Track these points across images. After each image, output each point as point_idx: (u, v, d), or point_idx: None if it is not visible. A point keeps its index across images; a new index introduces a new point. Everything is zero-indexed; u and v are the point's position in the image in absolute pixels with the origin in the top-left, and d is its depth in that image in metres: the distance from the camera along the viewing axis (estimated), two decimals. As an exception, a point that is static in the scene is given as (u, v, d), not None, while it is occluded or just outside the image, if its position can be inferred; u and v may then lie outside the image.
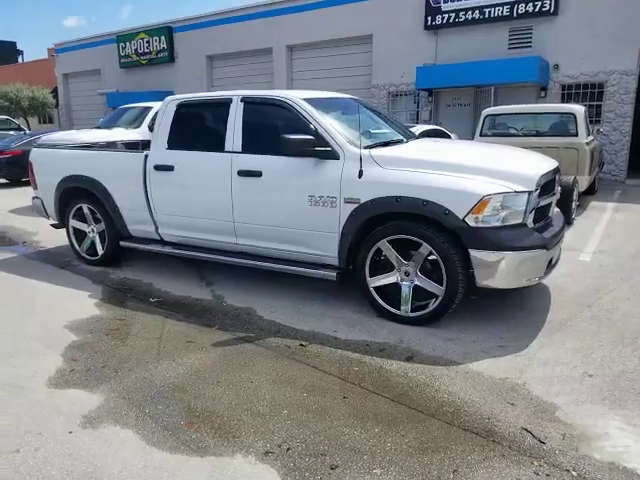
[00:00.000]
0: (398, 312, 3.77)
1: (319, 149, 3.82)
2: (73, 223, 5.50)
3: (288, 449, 2.36)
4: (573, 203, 7.13)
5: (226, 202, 4.27)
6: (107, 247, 5.27)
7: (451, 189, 3.42)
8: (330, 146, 3.84)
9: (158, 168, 4.59)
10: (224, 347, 3.44)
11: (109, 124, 10.39)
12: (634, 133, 12.03)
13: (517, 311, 4.01)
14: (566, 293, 4.40)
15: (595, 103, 11.70)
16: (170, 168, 4.52)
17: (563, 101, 12.08)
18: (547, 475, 2.21)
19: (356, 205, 3.72)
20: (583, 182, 7.79)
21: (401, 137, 4.55)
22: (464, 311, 3.88)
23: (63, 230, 5.73)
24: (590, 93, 11.96)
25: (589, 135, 8.26)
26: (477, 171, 3.52)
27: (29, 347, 3.46)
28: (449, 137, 8.84)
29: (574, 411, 2.67)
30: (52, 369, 3.14)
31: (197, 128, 4.65)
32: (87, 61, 22.62)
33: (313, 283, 4.48)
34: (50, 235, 6.57)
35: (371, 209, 3.67)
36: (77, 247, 5.54)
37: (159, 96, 16.65)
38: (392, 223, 3.65)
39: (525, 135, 8.37)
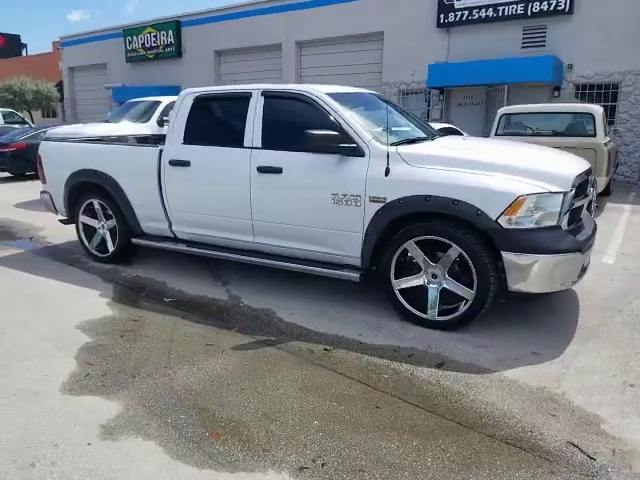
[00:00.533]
0: (424, 316, 3.62)
1: (344, 146, 3.67)
2: (83, 219, 5.35)
3: (323, 464, 2.21)
4: (592, 204, 6.97)
5: (244, 199, 4.12)
6: (118, 244, 5.12)
7: (484, 188, 3.27)
8: (355, 143, 3.69)
9: (173, 163, 4.44)
10: (245, 351, 3.29)
11: (117, 118, 10.24)
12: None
13: (547, 316, 3.86)
14: (593, 297, 4.25)
15: (609, 104, 11.52)
16: (186, 163, 4.37)
17: (576, 101, 11.90)
18: (601, 496, 2.07)
19: (382, 204, 3.56)
20: (601, 183, 7.66)
21: (425, 134, 4.39)
22: (491, 315, 3.73)
23: (70, 226, 5.59)
24: (604, 93, 11.78)
25: (606, 136, 8.11)
26: (510, 170, 3.37)
27: (40, 349, 3.31)
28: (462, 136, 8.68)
29: (620, 424, 2.52)
30: (65, 373, 2.99)
31: (215, 122, 4.50)
32: (93, 55, 22.46)
33: (331, 284, 4.33)
34: (57, 230, 6.43)
35: (398, 208, 3.51)
36: (87, 244, 5.39)
37: (166, 91, 16.58)
38: (420, 223, 3.49)
39: (542, 135, 8.21)
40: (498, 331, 3.59)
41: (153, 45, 19.82)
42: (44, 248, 5.97)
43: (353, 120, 3.79)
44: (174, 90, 18.01)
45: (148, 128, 9.43)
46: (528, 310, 3.93)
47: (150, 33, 19.74)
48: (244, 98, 4.21)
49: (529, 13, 12.15)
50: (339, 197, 3.72)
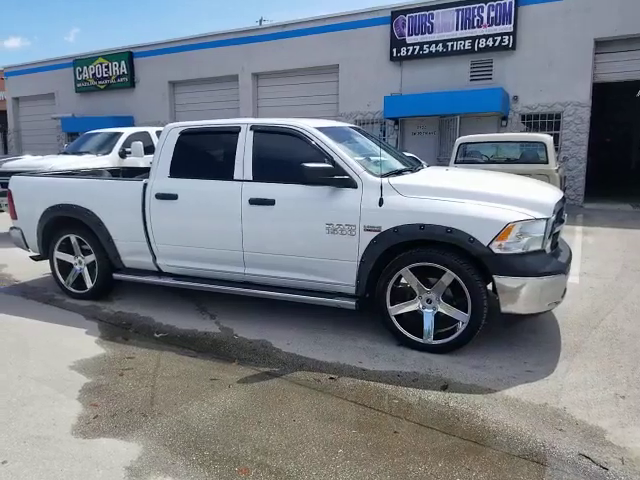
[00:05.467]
0: (421, 340, 3.74)
1: (337, 178, 3.80)
2: (58, 255, 5.17)
3: (359, 492, 2.25)
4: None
5: (235, 230, 4.15)
6: (97, 280, 4.98)
7: (476, 217, 3.47)
8: (348, 175, 3.82)
9: (160, 197, 4.42)
10: (252, 384, 3.28)
11: (76, 150, 9.98)
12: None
13: (531, 335, 4.07)
14: (569, 315, 4.51)
15: (553, 132, 12.35)
16: (173, 197, 4.36)
17: (522, 130, 12.69)
18: (620, 502, 2.21)
19: (377, 233, 3.70)
20: (554, 207, 8.14)
21: (408, 165, 4.60)
22: (479, 337, 3.88)
23: (35, 262, 5.51)
24: (548, 122, 12.65)
25: (557, 162, 8.70)
26: (497, 199, 3.59)
27: (39, 392, 3.17)
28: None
29: (622, 434, 2.70)
30: (73, 416, 2.88)
31: (202, 156, 4.52)
32: (40, 85, 21.80)
33: (319, 311, 4.38)
34: (21, 267, 6.21)
35: (393, 237, 3.65)
36: (62, 280, 5.20)
37: (119, 121, 16.33)
38: (415, 251, 3.64)
39: (497, 162, 8.70)
40: (489, 352, 3.75)
41: (105, 75, 19.49)
42: (12, 286, 5.70)
43: (344, 153, 3.93)
44: (127, 120, 17.78)
45: (109, 160, 9.26)
46: (512, 330, 4.12)
47: (102, 63, 19.42)
48: (232, 132, 4.28)
49: (476, 48, 12.96)
50: (333, 227, 3.83)
